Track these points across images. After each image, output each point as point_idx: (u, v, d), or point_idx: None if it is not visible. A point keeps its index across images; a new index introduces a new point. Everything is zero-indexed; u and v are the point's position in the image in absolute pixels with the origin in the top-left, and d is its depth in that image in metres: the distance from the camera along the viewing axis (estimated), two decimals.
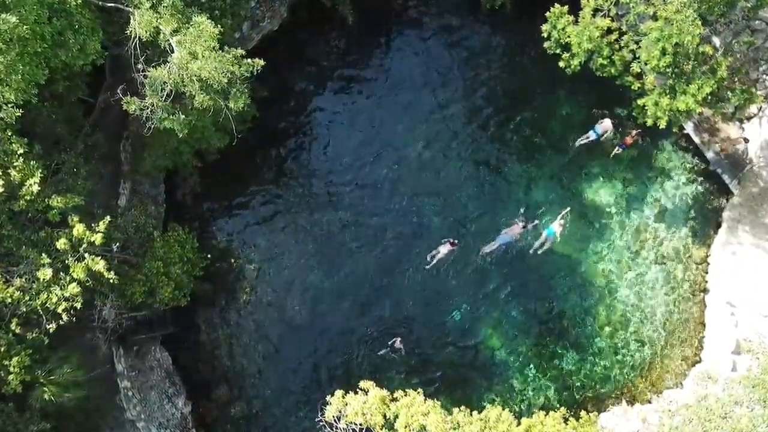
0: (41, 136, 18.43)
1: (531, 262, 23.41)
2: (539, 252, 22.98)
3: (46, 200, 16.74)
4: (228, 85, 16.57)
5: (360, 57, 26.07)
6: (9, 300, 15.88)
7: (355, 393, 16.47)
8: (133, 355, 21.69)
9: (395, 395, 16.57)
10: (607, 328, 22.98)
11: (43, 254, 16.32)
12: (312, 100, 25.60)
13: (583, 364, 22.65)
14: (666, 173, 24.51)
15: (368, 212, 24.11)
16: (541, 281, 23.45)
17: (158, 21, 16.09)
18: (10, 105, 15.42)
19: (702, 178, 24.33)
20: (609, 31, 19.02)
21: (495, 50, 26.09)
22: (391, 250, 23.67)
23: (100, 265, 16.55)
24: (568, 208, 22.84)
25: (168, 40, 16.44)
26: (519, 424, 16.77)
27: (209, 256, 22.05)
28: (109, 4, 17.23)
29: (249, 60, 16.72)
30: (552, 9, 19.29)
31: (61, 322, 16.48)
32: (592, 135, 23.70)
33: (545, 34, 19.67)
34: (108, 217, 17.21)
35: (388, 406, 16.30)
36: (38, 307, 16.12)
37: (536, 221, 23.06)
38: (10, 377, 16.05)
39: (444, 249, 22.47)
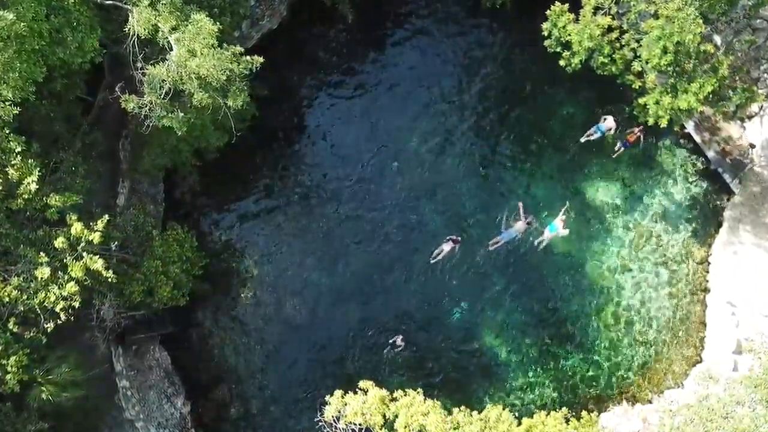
0: (39, 134, 18.37)
1: (531, 262, 23.35)
2: (540, 247, 22.86)
3: (44, 199, 16.69)
4: (227, 83, 16.50)
5: (359, 55, 25.99)
6: (7, 299, 15.83)
7: (355, 393, 16.41)
8: (132, 354, 21.62)
9: (395, 395, 16.53)
10: (607, 328, 22.91)
11: (41, 253, 16.25)
12: (311, 99, 25.53)
13: (584, 364, 22.59)
14: (666, 173, 24.43)
15: (368, 210, 24.04)
16: (542, 281, 23.38)
17: (157, 18, 16.02)
18: (7, 103, 15.36)
19: (703, 178, 24.26)
20: (610, 29, 18.96)
21: (495, 49, 26.01)
22: (390, 249, 23.61)
23: (98, 264, 16.48)
24: (567, 204, 22.74)
25: (167, 37, 16.37)
26: (519, 424, 16.71)
27: (205, 254, 21.94)
28: (108, 2, 17.17)
29: (248, 57, 16.65)
30: (552, 7, 19.22)
31: (59, 322, 16.40)
32: (596, 133, 23.56)
33: (546, 33, 19.60)
34: (106, 216, 17.15)
35: (388, 406, 16.26)
36: (36, 306, 16.05)
37: (536, 218, 22.94)
38: (8, 377, 15.97)
39: (447, 247, 22.39)
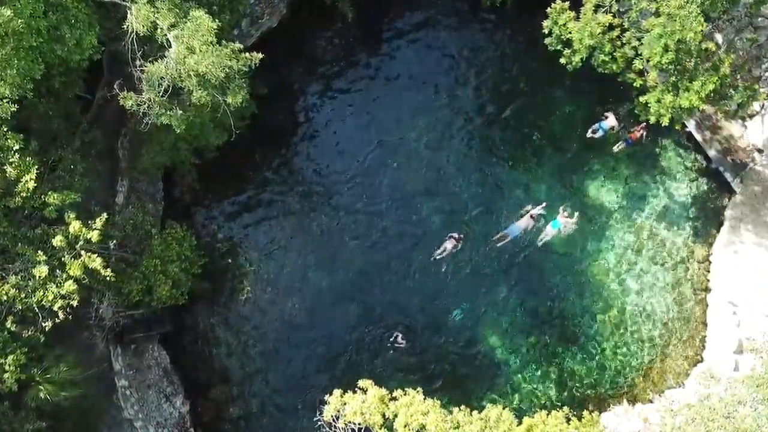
0: (38, 132, 18.34)
1: (532, 261, 23.28)
2: (542, 243, 22.72)
3: (42, 197, 16.63)
4: (226, 80, 16.42)
5: (359, 54, 25.93)
6: (4, 298, 15.77)
7: (354, 392, 16.32)
8: (131, 353, 21.55)
9: (394, 394, 16.43)
10: (608, 327, 22.84)
11: (39, 251, 16.23)
12: (311, 97, 25.47)
13: (584, 364, 22.52)
14: (667, 171, 24.36)
15: (368, 209, 23.97)
16: (542, 280, 23.31)
17: (155, 15, 15.94)
18: (5, 100, 15.29)
19: (704, 177, 24.19)
20: (611, 27, 18.88)
21: (495, 47, 25.95)
22: (390, 248, 23.55)
23: (96, 262, 16.44)
24: (568, 203, 22.58)
25: (165, 34, 16.30)
26: (520, 423, 16.62)
27: (204, 253, 21.87)
28: None
29: (247, 54, 16.57)
30: (553, 5, 19.14)
31: (57, 320, 16.34)
32: (599, 131, 23.46)
33: (546, 31, 19.53)
34: (105, 215, 17.10)
35: (387, 406, 16.17)
36: (34, 305, 15.99)
37: (543, 212, 22.83)
38: (6, 376, 15.92)
39: (449, 244, 22.29)
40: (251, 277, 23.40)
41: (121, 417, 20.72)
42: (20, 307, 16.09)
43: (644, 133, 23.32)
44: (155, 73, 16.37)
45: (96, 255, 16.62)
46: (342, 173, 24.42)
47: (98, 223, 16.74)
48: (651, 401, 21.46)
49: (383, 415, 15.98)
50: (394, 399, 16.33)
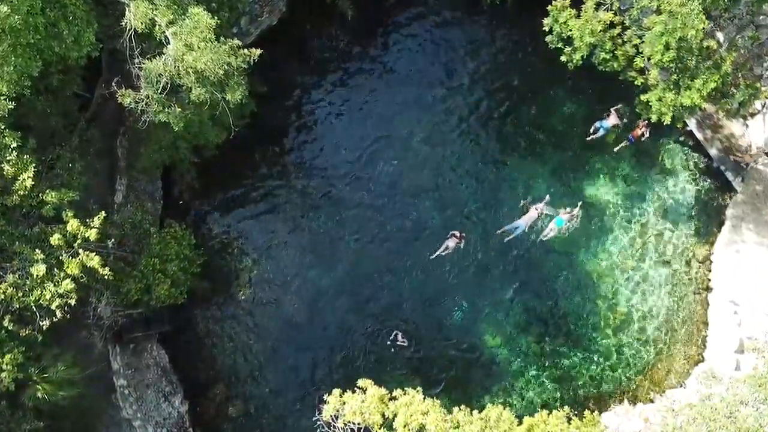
0: (36, 130, 18.24)
1: (533, 260, 23.22)
2: (545, 239, 22.62)
3: (40, 195, 16.53)
4: (225, 77, 16.33)
5: (359, 52, 25.85)
6: (2, 296, 15.68)
7: (353, 392, 16.23)
8: (130, 353, 21.47)
9: (394, 394, 16.34)
10: (609, 327, 22.77)
11: (37, 250, 16.13)
12: (311, 96, 25.37)
13: (585, 364, 22.44)
14: (668, 171, 24.30)
15: (367, 207, 23.90)
16: (543, 279, 23.24)
17: (154, 12, 15.87)
18: (2, 97, 15.22)
19: (705, 176, 24.13)
20: (611, 25, 18.82)
21: (495, 45, 25.88)
22: (390, 246, 23.47)
23: (94, 261, 16.37)
24: (569, 205, 22.53)
25: (164, 32, 16.21)
26: (520, 423, 16.52)
27: (204, 252, 21.78)
28: None
29: (245, 50, 16.48)
30: (554, 2, 19.07)
31: (55, 319, 16.29)
32: (600, 130, 23.31)
33: (547, 28, 19.47)
34: (103, 213, 17.02)
35: (387, 405, 16.08)
36: (32, 304, 15.92)
37: (550, 212, 22.67)
38: (3, 375, 15.83)
39: (451, 243, 22.16)
40: (251, 276, 23.32)
41: (120, 417, 20.65)
42: (18, 306, 16.00)
43: (645, 131, 23.19)
44: (153, 70, 16.30)
45: (94, 254, 16.55)
46: (341, 171, 24.33)
47: (96, 221, 16.67)
48: (652, 401, 21.38)
49: (383, 415, 15.89)
50: (394, 398, 16.24)
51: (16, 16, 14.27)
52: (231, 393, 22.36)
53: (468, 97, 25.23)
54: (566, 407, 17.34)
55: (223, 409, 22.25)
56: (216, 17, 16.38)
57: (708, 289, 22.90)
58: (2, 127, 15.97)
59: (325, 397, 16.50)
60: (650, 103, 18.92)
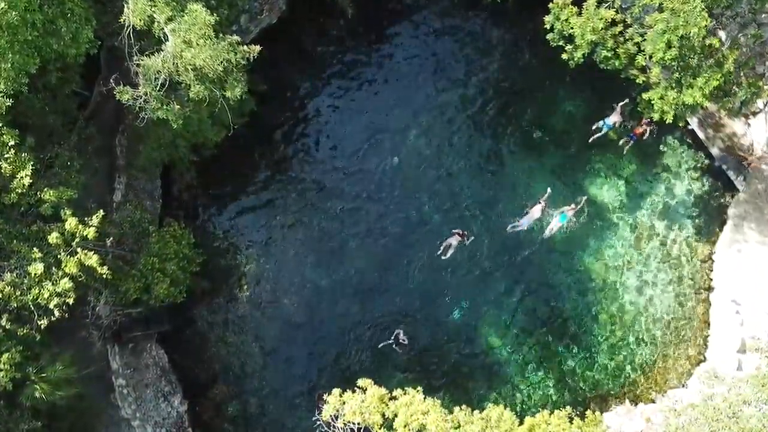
0: (34, 128, 18.18)
1: (534, 259, 23.13)
2: (549, 235, 22.46)
3: (38, 194, 16.48)
4: (224, 74, 16.23)
5: (359, 50, 25.73)
6: (0, 295, 15.53)
7: (353, 391, 16.15)
8: (129, 352, 21.42)
9: (394, 394, 16.29)
10: (610, 327, 22.70)
11: (35, 249, 16.09)
12: (311, 95, 25.27)
13: (586, 363, 22.37)
14: (670, 170, 24.18)
15: (367, 206, 23.82)
16: (544, 279, 23.16)
17: (152, 9, 15.78)
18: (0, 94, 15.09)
19: (706, 175, 24.00)
20: (613, 22, 18.69)
21: (496, 43, 25.75)
22: (390, 246, 23.39)
23: (93, 260, 16.31)
24: (582, 199, 22.46)
25: (162, 29, 16.13)
26: (521, 423, 16.44)
27: (203, 251, 21.69)
28: None
29: (245, 47, 16.38)
30: (555, 0, 18.94)
31: (53, 318, 16.24)
32: (603, 128, 23.12)
33: (548, 26, 19.33)
34: (101, 211, 16.98)
35: (387, 405, 16.03)
36: (30, 303, 15.89)
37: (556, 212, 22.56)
38: (1, 374, 15.81)
39: (454, 240, 22.04)
40: (250, 275, 23.24)
41: (119, 416, 20.61)
42: (16, 305, 15.97)
43: (648, 129, 23.06)
44: (151, 66, 16.23)
45: (93, 252, 16.51)
46: (341, 170, 24.24)
47: (95, 220, 16.63)
48: (653, 401, 21.31)
49: (383, 415, 15.84)
50: (394, 398, 16.19)
51: (14, 13, 14.23)
52: (230, 393, 22.33)
53: (468, 95, 25.12)
54: (567, 407, 17.29)
55: (223, 408, 22.22)
56: (215, 14, 16.30)
57: (710, 288, 22.82)
58: (0, 125, 15.89)
59: (325, 396, 16.42)
60: (652, 102, 18.81)
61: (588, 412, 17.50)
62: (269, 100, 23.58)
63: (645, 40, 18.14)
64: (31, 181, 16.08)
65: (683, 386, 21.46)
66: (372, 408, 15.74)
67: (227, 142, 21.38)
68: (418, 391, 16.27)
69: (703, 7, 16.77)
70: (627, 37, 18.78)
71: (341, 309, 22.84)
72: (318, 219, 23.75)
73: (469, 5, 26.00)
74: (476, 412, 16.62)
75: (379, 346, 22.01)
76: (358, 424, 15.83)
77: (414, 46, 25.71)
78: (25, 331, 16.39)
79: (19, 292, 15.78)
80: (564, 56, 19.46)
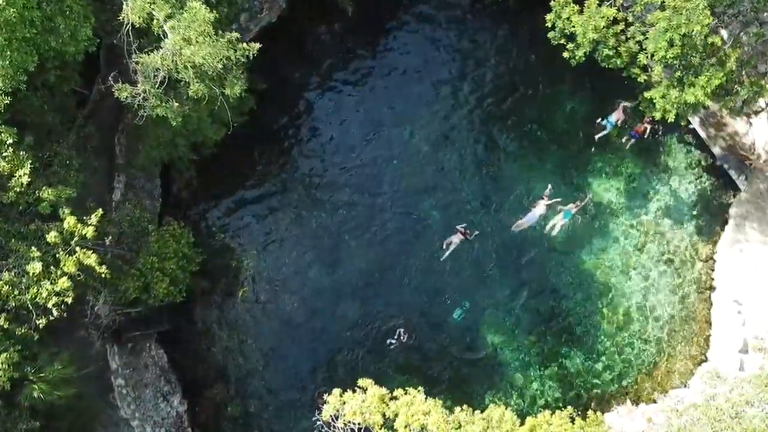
0: (33, 126, 18.06)
1: (535, 259, 23.10)
2: (553, 233, 22.41)
3: (36, 192, 16.41)
4: (223, 71, 16.15)
5: (360, 49, 25.67)
6: None
7: (354, 391, 16.07)
8: (128, 352, 21.36)
9: (395, 394, 16.21)
10: (611, 327, 22.63)
11: (33, 248, 16.00)
12: (310, 93, 25.20)
13: (587, 364, 22.31)
14: (671, 169, 24.10)
15: (367, 206, 23.76)
16: (545, 278, 23.10)
17: (151, 6, 15.68)
18: None
19: (708, 174, 23.92)
20: (615, 21, 18.60)
21: (496, 42, 25.67)
22: (390, 245, 23.33)
23: (91, 259, 16.23)
24: (586, 196, 22.37)
25: (161, 26, 16.03)
26: (523, 423, 16.36)
27: (203, 250, 21.62)
28: None
29: (244, 44, 16.29)
30: None
31: (51, 318, 16.14)
32: (607, 126, 23.02)
33: (549, 24, 19.24)
34: (100, 210, 16.90)
35: (388, 405, 15.96)
36: (28, 302, 15.77)
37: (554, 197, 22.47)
38: None
39: (456, 238, 21.92)
40: (250, 275, 23.19)
41: (118, 416, 20.54)
42: (14, 304, 15.85)
43: (649, 127, 22.97)
44: (150, 63, 16.13)
45: (91, 252, 16.42)
46: (341, 168, 24.18)
47: (94, 219, 16.55)
48: (655, 401, 21.25)
49: (383, 415, 15.76)
50: (395, 398, 16.11)
51: (12, 10, 14.16)
52: (230, 393, 22.28)
53: (469, 94, 25.04)
54: (569, 407, 17.21)
55: (222, 408, 22.16)
56: (215, 12, 16.21)
57: (711, 288, 22.75)
58: None
59: (325, 396, 16.35)
60: (654, 101, 18.73)
61: (589, 412, 17.44)
62: (269, 99, 23.52)
63: (647, 38, 18.07)
64: (29, 179, 16.00)
65: (685, 386, 21.40)
66: (372, 408, 15.67)
67: (227, 141, 21.30)
68: (419, 391, 16.21)
69: (705, 5, 16.71)
70: (629, 36, 18.69)
71: (341, 308, 22.78)
72: (318, 217, 23.69)
73: (469, 4, 25.96)
74: (477, 412, 16.55)
75: (379, 345, 21.93)
76: (359, 424, 15.75)
77: (414, 45, 25.64)
78: (23, 330, 16.28)
79: (18, 292, 15.67)
80: (565, 55, 19.36)
